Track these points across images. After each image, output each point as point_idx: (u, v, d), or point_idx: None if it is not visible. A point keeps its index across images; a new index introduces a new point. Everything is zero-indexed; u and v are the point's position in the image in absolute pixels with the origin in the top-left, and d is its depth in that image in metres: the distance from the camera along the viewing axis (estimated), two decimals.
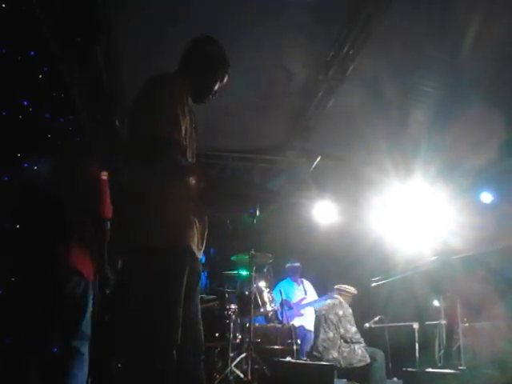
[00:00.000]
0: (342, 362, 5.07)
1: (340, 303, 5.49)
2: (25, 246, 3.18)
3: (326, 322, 5.37)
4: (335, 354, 5.13)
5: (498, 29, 4.76)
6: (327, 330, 5.30)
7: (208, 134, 6.96)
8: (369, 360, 5.07)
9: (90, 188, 3.25)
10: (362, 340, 5.29)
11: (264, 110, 6.62)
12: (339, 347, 5.17)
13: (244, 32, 4.99)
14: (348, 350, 5.15)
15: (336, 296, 5.60)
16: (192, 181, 2.11)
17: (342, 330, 5.23)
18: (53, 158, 3.59)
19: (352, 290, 5.59)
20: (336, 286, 5.65)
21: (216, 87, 2.41)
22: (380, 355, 5.20)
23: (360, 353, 5.12)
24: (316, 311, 5.84)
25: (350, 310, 5.45)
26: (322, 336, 5.31)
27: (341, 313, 5.35)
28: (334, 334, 5.24)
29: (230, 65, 2.42)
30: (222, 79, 2.42)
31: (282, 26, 4.95)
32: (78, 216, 3.23)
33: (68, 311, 3.07)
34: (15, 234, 3.27)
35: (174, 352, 1.93)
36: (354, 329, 5.28)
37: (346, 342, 5.18)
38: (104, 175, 3.35)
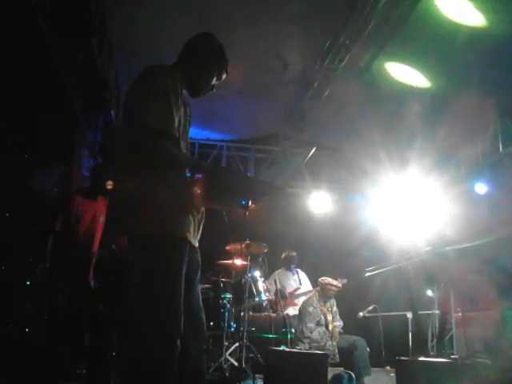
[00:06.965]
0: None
1: (311, 298, 5.44)
2: None
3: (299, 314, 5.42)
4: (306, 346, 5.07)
5: (491, 22, 4.77)
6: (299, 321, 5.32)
7: (203, 123, 6.94)
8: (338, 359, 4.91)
9: None
10: (318, 339, 5.08)
11: (259, 100, 6.60)
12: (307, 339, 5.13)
13: (241, 21, 4.97)
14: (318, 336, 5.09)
15: (316, 289, 5.56)
16: (187, 171, 2.11)
17: (300, 326, 5.23)
18: None
19: (335, 283, 5.40)
20: (319, 279, 5.49)
21: (213, 82, 2.39)
22: (361, 343, 5.10)
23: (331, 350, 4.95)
24: None
25: (315, 307, 5.29)
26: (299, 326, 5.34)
27: (310, 309, 5.28)
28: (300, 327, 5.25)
29: (228, 61, 2.39)
30: (220, 75, 2.40)
31: (278, 15, 4.93)
32: None
33: None
34: None
35: (178, 342, 1.93)
36: (311, 326, 5.15)
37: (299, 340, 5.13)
38: (109, 185, 3.50)
